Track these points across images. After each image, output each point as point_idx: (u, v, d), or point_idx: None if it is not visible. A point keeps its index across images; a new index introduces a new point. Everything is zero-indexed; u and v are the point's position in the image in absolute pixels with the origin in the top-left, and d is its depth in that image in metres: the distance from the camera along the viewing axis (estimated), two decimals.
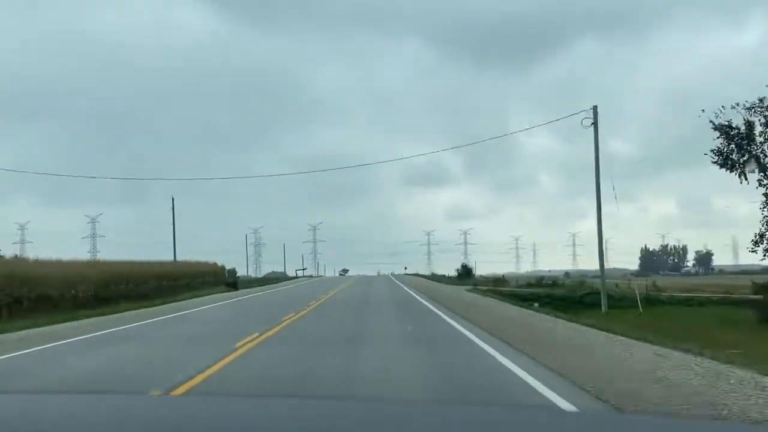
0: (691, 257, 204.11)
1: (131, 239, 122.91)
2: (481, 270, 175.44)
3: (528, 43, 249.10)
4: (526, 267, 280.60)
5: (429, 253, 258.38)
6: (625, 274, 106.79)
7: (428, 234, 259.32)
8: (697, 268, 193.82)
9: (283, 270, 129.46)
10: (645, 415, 4.65)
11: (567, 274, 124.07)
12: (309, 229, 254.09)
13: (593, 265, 38.65)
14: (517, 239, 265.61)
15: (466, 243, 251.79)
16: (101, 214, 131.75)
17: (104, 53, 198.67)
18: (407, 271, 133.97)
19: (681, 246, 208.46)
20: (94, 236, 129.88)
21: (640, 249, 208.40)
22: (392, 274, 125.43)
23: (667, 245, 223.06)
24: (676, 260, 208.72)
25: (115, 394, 4.55)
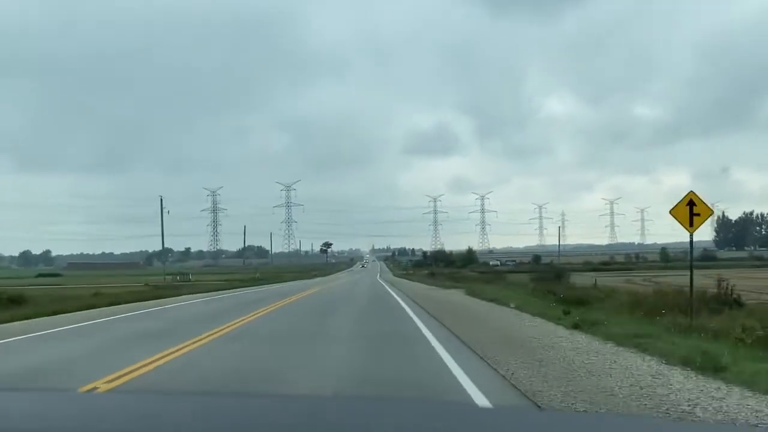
0: None
1: None
2: (496, 243, 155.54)
3: None
4: (552, 240, 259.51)
5: (435, 223, 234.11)
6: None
7: (434, 200, 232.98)
8: None
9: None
10: (565, 414, 4.61)
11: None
12: (282, 190, 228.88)
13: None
14: (540, 207, 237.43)
15: (483, 211, 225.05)
16: None
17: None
18: (405, 263, 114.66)
19: None
20: None
21: (715, 218, 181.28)
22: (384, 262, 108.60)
23: (752, 213, 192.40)
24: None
25: (41, 391, 4.61)
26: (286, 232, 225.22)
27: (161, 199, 66.56)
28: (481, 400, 7.09)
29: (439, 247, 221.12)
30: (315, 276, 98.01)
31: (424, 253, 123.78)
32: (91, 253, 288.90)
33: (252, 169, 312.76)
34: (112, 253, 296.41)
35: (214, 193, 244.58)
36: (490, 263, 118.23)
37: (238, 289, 43.59)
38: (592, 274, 63.36)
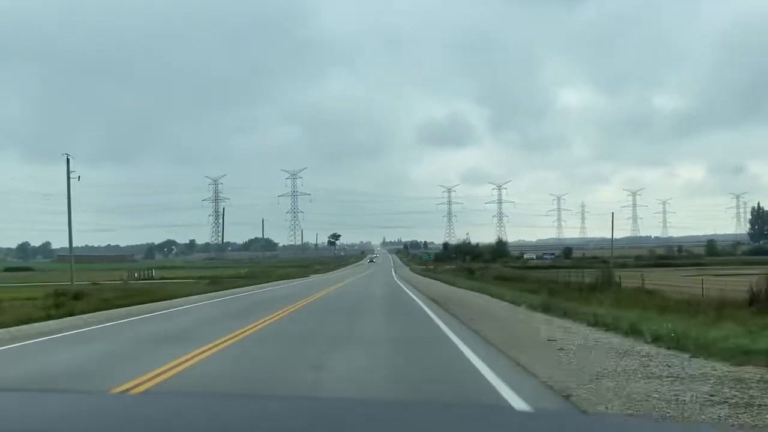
0: None
1: None
2: (511, 236, 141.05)
3: None
4: (572, 233, 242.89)
5: (449, 215, 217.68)
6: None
7: (448, 191, 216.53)
8: None
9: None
10: (611, 417, 4.59)
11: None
12: (287, 178, 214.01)
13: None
14: (558, 199, 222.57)
15: (500, 201, 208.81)
16: None
17: None
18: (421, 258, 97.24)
19: None
20: None
21: (750, 209, 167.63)
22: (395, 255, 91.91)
23: None
24: None
25: (74, 393, 4.50)
26: (292, 222, 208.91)
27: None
28: None
29: (453, 239, 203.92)
30: (317, 272, 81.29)
31: (445, 244, 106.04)
32: (95, 245, 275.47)
33: (261, 161, 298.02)
34: (118, 246, 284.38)
35: (216, 182, 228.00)
36: (524, 256, 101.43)
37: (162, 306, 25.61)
38: (651, 272, 51.83)
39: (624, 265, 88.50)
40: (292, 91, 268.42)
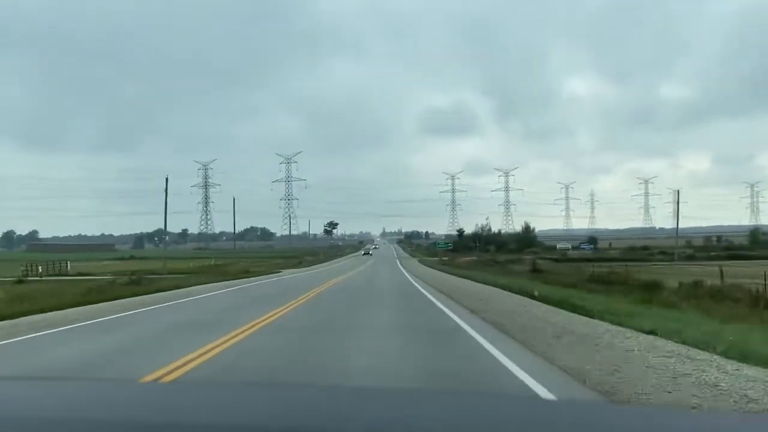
0: None
1: None
2: (517, 226, 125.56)
3: None
4: (580, 223, 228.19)
5: (453, 203, 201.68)
6: None
7: (452, 178, 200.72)
8: None
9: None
10: (639, 407, 4.67)
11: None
12: (281, 163, 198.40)
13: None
14: (567, 187, 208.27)
15: (507, 189, 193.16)
16: None
17: None
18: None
19: None
20: None
21: None
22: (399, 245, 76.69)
23: None
24: None
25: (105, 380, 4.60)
26: (286, 210, 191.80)
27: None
28: None
29: (456, 228, 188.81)
30: (301, 264, 64.40)
31: (460, 232, 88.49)
32: (89, 234, 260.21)
33: (258, 148, 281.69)
34: (111, 235, 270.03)
35: (206, 167, 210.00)
36: (558, 246, 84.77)
37: None
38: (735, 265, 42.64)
39: (691, 258, 72.34)
40: (290, 78, 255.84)
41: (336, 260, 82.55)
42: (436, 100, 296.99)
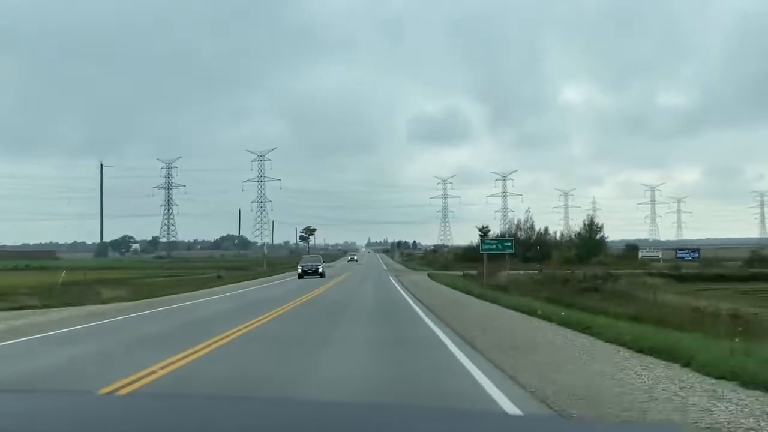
0: None
1: None
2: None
3: None
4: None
5: (445, 210, 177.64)
6: None
7: (444, 182, 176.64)
8: None
9: None
10: (596, 423, 4.37)
11: None
12: (253, 160, 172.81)
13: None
14: (566, 195, 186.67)
15: (505, 194, 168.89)
16: None
17: None
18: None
19: None
20: None
21: None
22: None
23: None
24: None
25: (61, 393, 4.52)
26: (259, 214, 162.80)
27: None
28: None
29: (446, 238, 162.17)
30: (248, 277, 36.10)
31: (483, 231, 59.41)
32: (61, 241, 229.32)
33: (239, 153, 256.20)
34: (84, 243, 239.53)
35: (168, 165, 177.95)
36: (641, 255, 57.62)
37: None
38: None
39: None
40: (274, 79, 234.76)
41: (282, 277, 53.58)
42: (426, 106, 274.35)
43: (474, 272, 41.85)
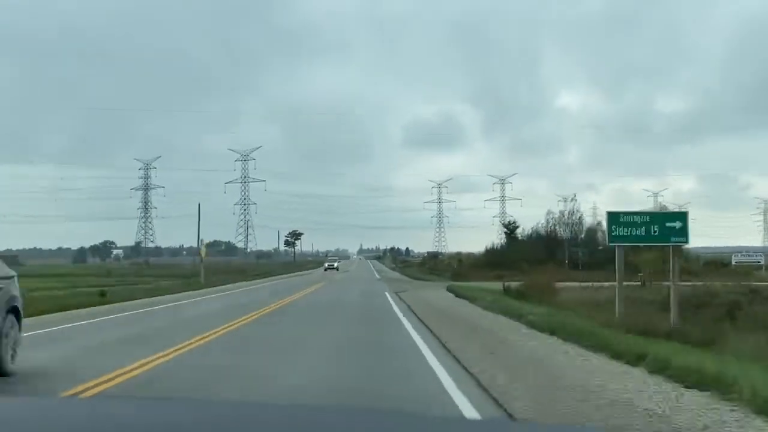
0: None
1: None
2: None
3: None
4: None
5: (440, 215, 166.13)
6: None
7: (439, 186, 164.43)
8: None
9: None
10: (541, 426, 4.17)
11: None
12: (237, 160, 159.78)
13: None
14: (566, 201, 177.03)
15: (503, 199, 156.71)
16: None
17: None
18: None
19: None
20: None
21: None
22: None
23: None
24: None
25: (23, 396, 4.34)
26: (242, 217, 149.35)
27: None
28: None
29: (441, 245, 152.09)
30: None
31: (510, 228, 44.78)
32: (46, 248, 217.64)
33: (228, 157, 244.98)
34: (69, 248, 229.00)
35: (147, 166, 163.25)
36: (734, 260, 44.62)
37: None
38: None
39: None
40: (264, 82, 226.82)
41: (270, 279, 38.09)
42: (420, 110, 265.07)
43: (509, 282, 27.47)
